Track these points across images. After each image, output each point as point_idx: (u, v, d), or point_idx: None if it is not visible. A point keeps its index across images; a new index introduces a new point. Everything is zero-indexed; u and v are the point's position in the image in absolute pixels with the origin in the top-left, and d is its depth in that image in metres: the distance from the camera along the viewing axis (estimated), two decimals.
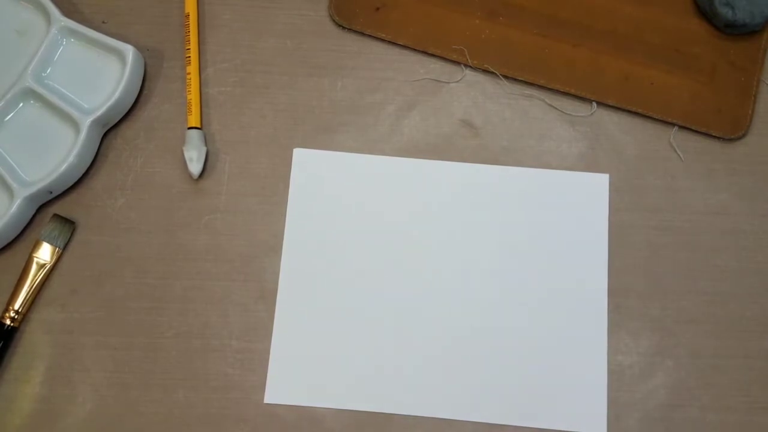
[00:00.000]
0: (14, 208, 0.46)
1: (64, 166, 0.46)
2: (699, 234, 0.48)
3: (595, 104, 0.50)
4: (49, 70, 0.49)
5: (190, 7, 0.50)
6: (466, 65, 0.50)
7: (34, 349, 0.46)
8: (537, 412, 0.45)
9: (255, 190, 0.49)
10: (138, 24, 0.51)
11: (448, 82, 0.50)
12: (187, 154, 0.48)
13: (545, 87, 0.50)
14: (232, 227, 0.48)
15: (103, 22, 0.51)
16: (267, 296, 0.47)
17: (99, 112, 0.47)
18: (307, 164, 0.49)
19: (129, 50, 0.48)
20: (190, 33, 0.50)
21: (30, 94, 0.48)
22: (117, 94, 0.47)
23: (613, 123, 0.49)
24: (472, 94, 0.50)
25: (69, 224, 0.48)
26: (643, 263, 0.47)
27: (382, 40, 0.51)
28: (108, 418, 0.45)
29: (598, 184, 0.48)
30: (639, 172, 0.49)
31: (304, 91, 0.50)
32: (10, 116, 0.48)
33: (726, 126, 0.49)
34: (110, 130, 0.50)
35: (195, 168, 0.48)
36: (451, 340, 0.46)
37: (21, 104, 0.49)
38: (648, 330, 0.46)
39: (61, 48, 0.49)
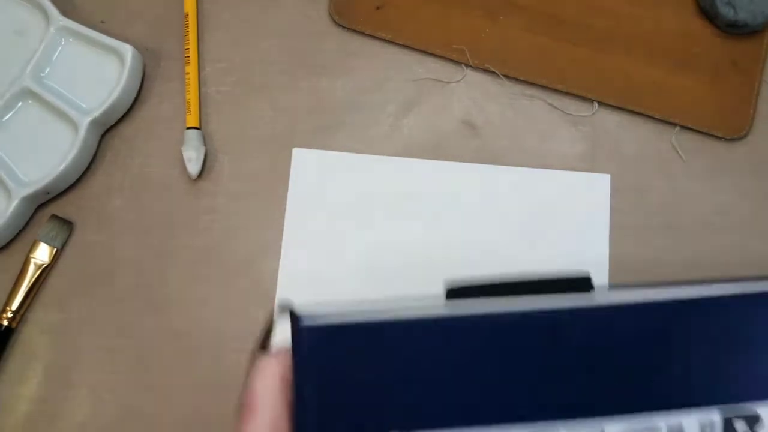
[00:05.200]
0: (12, 208, 0.46)
1: (62, 167, 0.46)
2: (700, 234, 0.48)
3: (596, 104, 0.49)
4: (47, 70, 0.49)
5: (189, 7, 0.50)
6: (466, 65, 0.50)
7: (31, 349, 0.46)
8: None
9: (254, 190, 0.48)
10: (137, 24, 0.51)
11: (449, 82, 0.50)
12: (185, 154, 0.48)
13: (546, 87, 0.49)
14: (231, 227, 0.48)
15: (102, 22, 0.51)
16: (266, 296, 0.47)
17: (97, 112, 0.47)
18: (307, 164, 0.49)
19: (128, 50, 0.48)
20: (189, 33, 0.50)
21: (28, 94, 0.48)
22: (116, 94, 0.47)
23: (614, 123, 0.49)
24: (473, 94, 0.50)
25: (67, 224, 0.47)
26: (643, 264, 0.47)
27: (382, 40, 0.50)
28: (106, 419, 0.45)
29: (599, 184, 0.48)
30: (640, 173, 0.48)
31: (303, 91, 0.50)
32: (8, 116, 0.48)
33: (728, 126, 0.49)
34: (109, 130, 0.49)
35: (193, 168, 0.47)
36: None
37: (19, 104, 0.48)
38: None
39: (60, 48, 0.49)
